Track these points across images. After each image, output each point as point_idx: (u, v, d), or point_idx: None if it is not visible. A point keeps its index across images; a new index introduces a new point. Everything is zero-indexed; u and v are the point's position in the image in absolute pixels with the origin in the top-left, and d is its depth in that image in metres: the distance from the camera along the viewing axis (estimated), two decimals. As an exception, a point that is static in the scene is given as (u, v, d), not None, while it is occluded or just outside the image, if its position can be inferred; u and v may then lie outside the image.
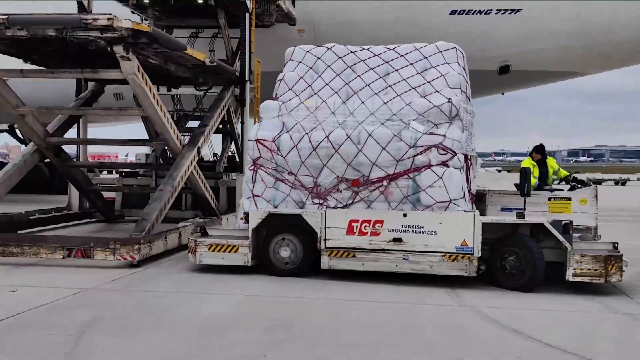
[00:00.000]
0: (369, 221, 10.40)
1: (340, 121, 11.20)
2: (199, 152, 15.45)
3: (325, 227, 10.50)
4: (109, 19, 11.25)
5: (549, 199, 12.46)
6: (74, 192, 18.03)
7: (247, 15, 17.72)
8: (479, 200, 12.75)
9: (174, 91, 18.82)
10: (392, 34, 21.55)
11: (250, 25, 17.91)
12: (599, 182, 47.23)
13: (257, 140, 11.30)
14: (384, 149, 10.77)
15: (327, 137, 11.00)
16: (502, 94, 25.10)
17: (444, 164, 10.63)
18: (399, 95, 11.34)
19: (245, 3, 17.57)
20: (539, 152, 13.67)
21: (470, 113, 11.66)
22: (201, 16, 18.98)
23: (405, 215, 10.32)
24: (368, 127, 10.93)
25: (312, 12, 21.74)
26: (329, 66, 12.05)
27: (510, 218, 10.69)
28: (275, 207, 11.23)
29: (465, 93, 11.61)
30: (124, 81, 13.74)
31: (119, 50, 12.27)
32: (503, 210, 12.49)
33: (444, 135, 10.68)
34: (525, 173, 11.12)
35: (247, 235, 10.87)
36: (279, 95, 12.01)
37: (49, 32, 11.64)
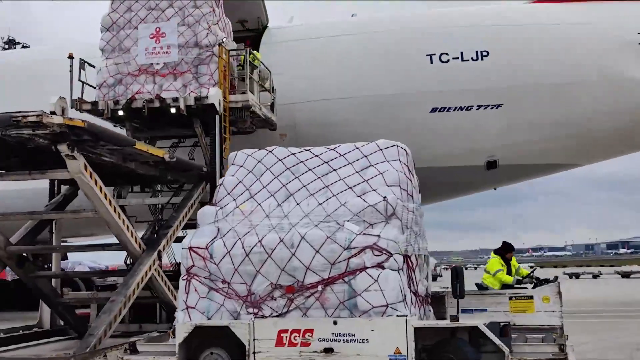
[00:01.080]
0: (298, 331, 9.81)
1: (274, 224, 10.81)
2: (160, 256, 15.08)
3: (254, 339, 9.91)
4: (37, 115, 11.17)
5: (510, 298, 11.81)
6: (46, 308, 17.62)
7: (217, 117, 17.73)
8: (438, 302, 12.12)
9: (147, 200, 18.59)
10: (373, 132, 21.47)
11: (221, 128, 17.86)
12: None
13: (190, 248, 10.91)
14: (317, 252, 10.28)
15: (259, 241, 10.58)
16: (495, 189, 24.58)
17: (380, 265, 10.08)
18: (335, 195, 10.98)
19: (214, 109, 17.64)
20: (510, 251, 13.20)
21: (414, 211, 11.20)
22: (179, 126, 19.12)
23: (335, 322, 9.73)
24: (301, 229, 10.51)
25: (292, 116, 21.82)
26: (268, 169, 11.80)
27: (444, 322, 10.01)
28: (209, 318, 10.69)
29: (407, 191, 11.16)
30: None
31: (63, 149, 12.18)
32: (463, 312, 11.80)
33: (379, 236, 10.19)
34: (456, 272, 10.52)
35: (175, 351, 10.30)
36: (217, 201, 11.72)
37: None
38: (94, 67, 19.11)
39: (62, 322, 17.74)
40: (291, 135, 21.71)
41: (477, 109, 21.19)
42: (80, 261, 37.90)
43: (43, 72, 23.45)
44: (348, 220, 10.50)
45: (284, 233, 10.58)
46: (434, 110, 21.36)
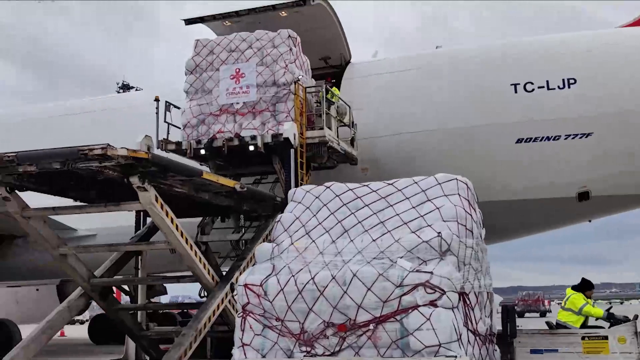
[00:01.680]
0: (347, 371, 9.62)
1: (327, 261, 10.72)
2: (232, 289, 15.21)
3: (304, 377, 9.81)
4: (102, 148, 11.55)
5: (583, 338, 11.16)
6: (132, 341, 18.13)
7: (292, 151, 17.84)
8: (505, 341, 11.60)
9: (229, 237, 18.87)
10: (457, 164, 21.07)
11: (297, 162, 17.95)
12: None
13: (245, 285, 10.97)
14: (369, 289, 10.09)
15: (312, 278, 10.50)
16: (589, 221, 23.39)
17: (432, 303, 9.77)
18: (389, 231, 10.79)
19: (289, 143, 17.78)
20: (590, 289, 12.57)
21: (473, 247, 10.82)
22: (260, 163, 19.41)
23: (384, 363, 9.48)
24: (353, 266, 10.36)
25: (374, 150, 21.73)
26: (324, 205, 11.75)
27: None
28: (264, 356, 10.68)
29: (465, 226, 10.81)
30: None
31: (134, 180, 12.61)
32: (533, 352, 11.27)
33: (431, 273, 9.89)
34: (507, 311, 10.02)
35: (230, 387, 10.33)
36: (274, 238, 11.77)
37: (54, 165, 12.11)
38: (179, 108, 19.79)
39: (147, 357, 18.19)
40: (373, 169, 21.59)
41: (566, 139, 20.36)
42: (189, 295, 38.84)
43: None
44: (401, 257, 10.27)
45: (337, 270, 10.46)
46: (519, 141, 20.71)
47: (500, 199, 20.78)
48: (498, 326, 11.61)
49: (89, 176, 13.04)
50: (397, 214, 11.06)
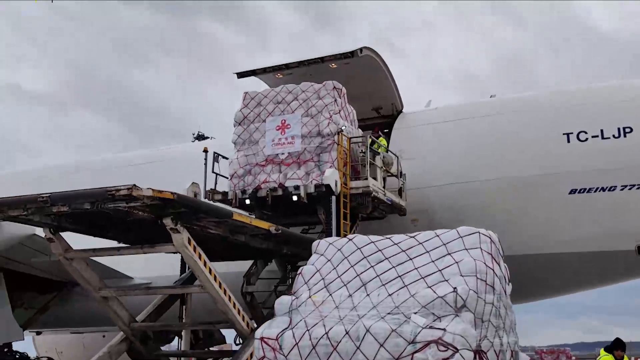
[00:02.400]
0: None
1: (342, 316, 10.57)
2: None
3: None
4: (128, 189, 11.90)
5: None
6: (174, 391, 18.28)
7: (334, 198, 17.78)
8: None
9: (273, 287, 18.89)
10: (509, 215, 20.59)
11: (339, 209, 17.85)
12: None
13: (262, 339, 10.93)
14: (381, 345, 9.89)
15: (326, 333, 10.38)
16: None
17: (444, 362, 9.46)
18: (405, 285, 10.58)
19: (331, 191, 17.73)
20: (620, 349, 11.92)
21: (493, 303, 10.46)
22: (306, 213, 19.44)
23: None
24: (367, 321, 10.18)
25: (425, 200, 21.44)
26: (345, 257, 11.66)
27: None
28: (278, 411, 10.54)
29: (485, 281, 10.48)
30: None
31: (167, 222, 12.89)
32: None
33: (444, 330, 9.61)
34: None
35: None
36: (295, 290, 11.71)
37: (85, 205, 12.54)
38: (227, 159, 20.14)
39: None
40: (423, 220, 21.25)
41: (622, 189, 19.57)
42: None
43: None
44: (416, 313, 10.04)
45: (351, 325, 10.30)
46: (572, 191, 20.03)
47: (553, 251, 20.10)
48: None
49: (127, 219, 13.45)
50: (416, 268, 10.86)
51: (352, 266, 11.46)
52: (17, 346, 24.93)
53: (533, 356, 75.44)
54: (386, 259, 11.29)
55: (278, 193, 18.73)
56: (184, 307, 18.51)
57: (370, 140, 20.24)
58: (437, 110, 23.66)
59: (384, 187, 20.05)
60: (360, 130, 20.67)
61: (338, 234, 17.71)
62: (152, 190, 12.16)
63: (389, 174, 20.58)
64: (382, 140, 21.25)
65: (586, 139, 20.13)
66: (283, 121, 19.50)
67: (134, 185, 12.05)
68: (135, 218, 13.33)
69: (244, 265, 19.81)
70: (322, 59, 21.47)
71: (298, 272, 12.03)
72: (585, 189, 19.91)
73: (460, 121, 22.45)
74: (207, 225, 14.11)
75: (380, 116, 24.15)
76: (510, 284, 11.48)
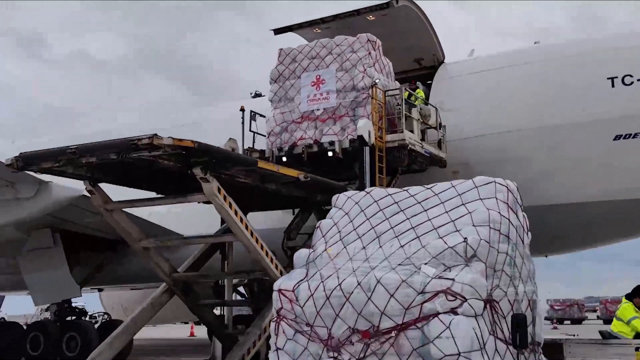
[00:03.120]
0: (364, 378, 9.53)
1: (355, 268, 10.64)
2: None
3: (323, 385, 9.82)
4: (149, 138, 12.26)
5: (637, 349, 10.41)
6: (218, 343, 18.77)
7: (366, 149, 17.73)
8: (555, 351, 11.02)
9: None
10: (553, 165, 20.18)
11: (372, 161, 17.78)
12: None
13: (279, 291, 11.13)
14: (392, 296, 9.92)
15: (339, 284, 10.48)
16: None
17: (453, 311, 9.46)
18: (418, 237, 10.54)
19: (364, 143, 17.67)
20: None
21: (508, 252, 10.35)
22: (343, 170, 19.44)
23: (398, 371, 9.29)
24: (378, 272, 10.23)
25: (464, 152, 21.19)
26: (362, 210, 11.67)
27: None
28: (295, 360, 10.78)
29: (499, 231, 10.34)
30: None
31: (197, 172, 13.26)
32: (584, 363, 10.62)
33: (453, 279, 9.59)
34: (517, 321, 9.46)
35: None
36: (313, 243, 11.84)
37: (111, 155, 12.98)
38: (264, 117, 20.32)
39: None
40: (464, 172, 20.96)
41: (669, 133, 18.90)
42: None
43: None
44: (426, 263, 10.03)
45: (363, 277, 10.37)
46: (617, 137, 19.43)
47: (596, 199, 19.63)
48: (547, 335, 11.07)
49: (156, 169, 13.87)
50: (429, 219, 10.79)
51: (367, 219, 11.47)
52: (76, 302, 26.06)
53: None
54: (401, 210, 11.25)
55: (313, 150, 18.87)
56: (225, 259, 18.98)
57: (407, 92, 20.06)
58: (478, 60, 23.25)
59: (422, 140, 19.91)
60: (397, 82, 20.48)
61: (372, 180, 17.73)
62: (172, 139, 12.46)
63: (428, 126, 20.38)
64: (420, 92, 21.03)
65: (631, 83, 19.42)
66: (318, 76, 19.51)
67: (155, 134, 12.37)
68: (164, 168, 13.69)
69: (286, 221, 20.09)
70: (357, 12, 21.28)
71: (316, 225, 12.15)
72: (630, 135, 19.29)
73: (502, 69, 22.02)
74: (236, 174, 14.36)
75: (422, 67, 23.87)
76: (529, 233, 11.30)
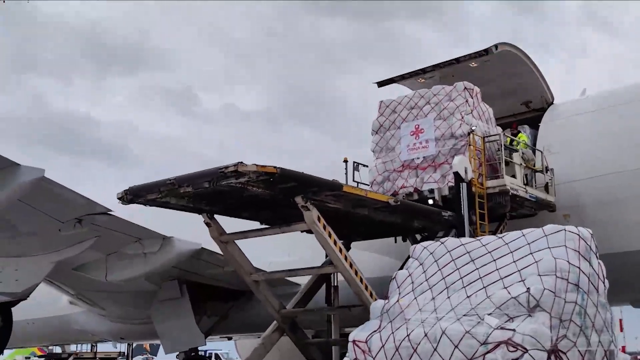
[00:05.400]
0: None
1: (423, 318, 10.86)
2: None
3: None
4: (235, 165, 12.99)
5: None
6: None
7: (463, 185, 17.51)
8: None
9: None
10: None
11: (470, 204, 17.45)
12: None
13: (354, 342, 11.51)
14: (456, 347, 10.08)
15: (407, 335, 10.74)
16: None
17: (514, 362, 9.46)
18: (484, 287, 10.63)
19: (459, 177, 17.57)
20: None
21: (577, 301, 10.19)
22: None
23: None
24: (444, 323, 10.40)
25: (575, 195, 20.56)
26: (435, 261, 11.88)
27: None
28: (369, 409, 11.05)
29: (567, 280, 10.23)
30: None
31: (299, 200, 13.91)
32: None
33: (514, 330, 9.60)
34: None
35: None
36: (389, 293, 12.14)
37: (204, 184, 13.84)
38: (366, 167, 20.83)
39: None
40: (575, 215, 20.40)
41: None
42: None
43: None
44: (490, 314, 10.09)
45: (430, 327, 10.57)
46: None
47: None
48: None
49: (255, 197, 14.76)
50: (497, 269, 10.86)
51: (439, 269, 11.67)
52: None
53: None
54: (472, 260, 11.37)
55: (414, 198, 19.04)
56: (330, 293, 19.21)
57: (508, 138, 19.94)
58: (587, 99, 22.60)
59: (526, 184, 19.60)
60: (499, 128, 20.35)
61: (469, 216, 17.49)
62: (256, 165, 13.05)
63: (533, 169, 20.06)
64: (522, 137, 20.74)
65: None
66: (417, 126, 19.81)
67: (240, 162, 13.04)
68: (265, 199, 14.40)
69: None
70: (457, 60, 21.45)
71: (392, 276, 12.44)
72: None
73: (612, 107, 21.25)
74: (325, 200, 14.77)
75: (531, 110, 23.51)
76: (606, 281, 11.01)
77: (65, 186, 16.23)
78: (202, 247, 21.24)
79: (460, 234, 17.25)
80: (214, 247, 18.50)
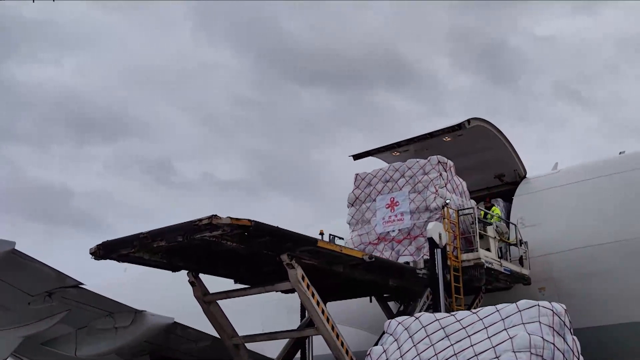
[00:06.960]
0: None
1: (396, 398, 10.69)
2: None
3: None
4: (209, 218, 12.71)
5: None
6: None
7: (437, 251, 17.45)
8: None
9: None
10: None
11: (443, 263, 17.49)
12: None
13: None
14: None
15: (379, 416, 10.54)
16: None
17: None
18: (458, 365, 10.50)
19: (433, 243, 17.52)
20: None
21: (552, 378, 10.11)
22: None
23: None
24: (417, 403, 10.24)
25: (549, 268, 20.67)
26: (410, 336, 11.80)
27: None
28: None
29: (541, 356, 10.17)
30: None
31: (284, 258, 13.71)
32: None
33: (489, 411, 9.46)
34: None
35: None
36: (363, 371, 11.97)
37: (178, 238, 13.53)
38: (342, 239, 20.81)
39: None
40: (550, 288, 20.47)
41: None
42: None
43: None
44: (464, 394, 9.96)
45: (402, 407, 10.41)
46: None
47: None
48: None
49: (238, 254, 14.56)
50: (472, 345, 10.78)
51: (414, 345, 11.57)
52: None
53: None
54: (446, 336, 11.31)
55: (389, 270, 19.00)
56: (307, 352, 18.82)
57: (481, 211, 20.11)
58: (560, 173, 22.96)
59: (501, 257, 19.68)
60: (473, 201, 20.55)
61: (444, 280, 17.39)
62: (230, 218, 12.75)
63: (507, 243, 20.18)
64: (496, 210, 20.96)
65: None
66: (392, 199, 19.95)
67: (215, 214, 12.80)
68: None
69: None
70: (431, 135, 21.80)
71: (367, 352, 12.29)
72: None
73: (584, 182, 21.62)
74: (301, 256, 14.57)
75: (504, 183, 23.81)
76: (580, 357, 10.97)
77: (35, 259, 15.90)
78: (175, 322, 20.86)
79: (435, 295, 17.17)
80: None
